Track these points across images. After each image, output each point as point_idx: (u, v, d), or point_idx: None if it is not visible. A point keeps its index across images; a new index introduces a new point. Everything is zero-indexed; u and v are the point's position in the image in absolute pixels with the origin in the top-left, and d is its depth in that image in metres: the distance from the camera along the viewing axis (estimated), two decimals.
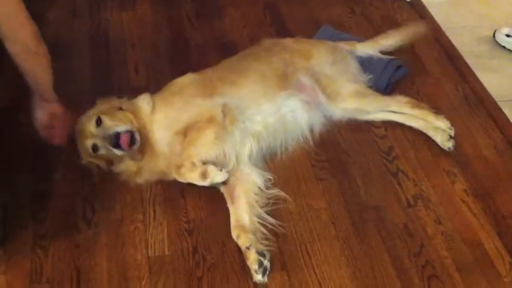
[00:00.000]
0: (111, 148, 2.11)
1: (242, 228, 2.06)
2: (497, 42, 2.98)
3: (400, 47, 2.79)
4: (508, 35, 2.95)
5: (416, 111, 2.46)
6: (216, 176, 2.07)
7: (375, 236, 2.10)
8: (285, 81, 2.36)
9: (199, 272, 1.97)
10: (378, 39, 2.70)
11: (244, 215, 2.09)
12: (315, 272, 1.98)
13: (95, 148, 2.14)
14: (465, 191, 2.26)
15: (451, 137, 2.39)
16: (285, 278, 1.96)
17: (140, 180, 2.23)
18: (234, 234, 2.06)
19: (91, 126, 2.13)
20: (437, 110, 2.48)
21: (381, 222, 2.14)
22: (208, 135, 2.13)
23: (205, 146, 2.12)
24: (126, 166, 2.21)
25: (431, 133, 2.42)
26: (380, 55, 2.67)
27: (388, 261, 2.02)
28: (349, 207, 2.19)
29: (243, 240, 2.02)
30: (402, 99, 2.49)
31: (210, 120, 2.15)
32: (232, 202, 2.13)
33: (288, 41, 2.56)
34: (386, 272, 1.99)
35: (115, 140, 2.09)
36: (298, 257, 2.02)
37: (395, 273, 1.99)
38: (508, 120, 2.57)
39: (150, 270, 1.97)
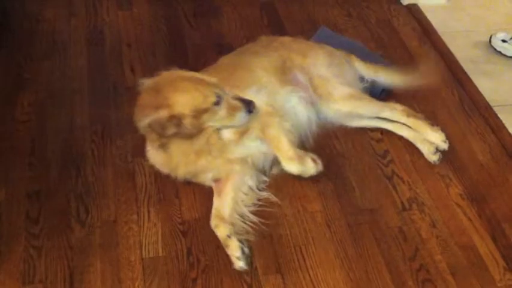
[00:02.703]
0: (242, 111, 2.03)
1: (221, 218, 2.07)
2: (493, 47, 2.99)
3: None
4: (503, 41, 2.96)
5: (412, 121, 2.43)
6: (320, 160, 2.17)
7: (370, 239, 2.09)
8: (283, 76, 2.36)
9: (193, 273, 1.96)
10: (379, 69, 2.58)
11: (226, 208, 2.10)
12: (309, 275, 1.98)
13: (217, 101, 2.00)
14: (460, 195, 2.27)
15: (437, 150, 2.36)
16: (280, 280, 1.96)
17: (178, 171, 2.12)
18: (212, 223, 2.07)
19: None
20: (433, 122, 2.44)
21: (375, 225, 2.14)
22: (283, 125, 2.17)
23: (287, 134, 2.17)
24: (194, 145, 2.05)
25: (419, 144, 2.40)
26: (369, 80, 2.55)
27: (382, 264, 2.02)
28: (344, 210, 2.19)
29: (222, 230, 2.03)
30: (398, 107, 2.47)
31: (270, 113, 2.17)
32: (219, 196, 2.13)
33: (286, 39, 2.55)
34: (380, 275, 1.99)
35: (250, 104, 2.05)
36: (293, 259, 2.02)
37: (389, 276, 1.99)
38: (503, 125, 2.58)
39: (143, 272, 1.95)
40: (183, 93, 1.97)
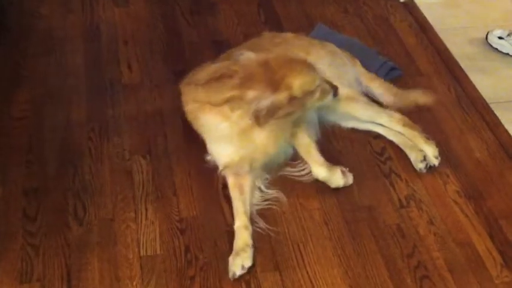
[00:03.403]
0: (330, 94, 2.16)
1: (248, 218, 2.05)
2: (489, 44, 2.99)
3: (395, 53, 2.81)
4: (500, 37, 2.96)
5: (407, 131, 2.39)
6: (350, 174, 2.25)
7: (368, 236, 2.10)
8: None
9: (191, 271, 1.96)
10: (376, 81, 2.57)
11: (248, 207, 2.09)
12: (307, 272, 1.98)
13: (319, 84, 2.10)
14: (457, 192, 2.27)
15: (425, 158, 2.33)
16: (278, 277, 1.96)
17: (251, 154, 2.12)
18: (241, 223, 2.02)
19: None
20: (428, 135, 2.40)
21: (373, 222, 2.15)
22: (309, 131, 2.29)
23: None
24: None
25: (407, 151, 2.37)
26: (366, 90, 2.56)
27: (380, 261, 2.02)
28: (342, 207, 2.19)
29: (247, 235, 2.00)
30: (396, 115, 2.43)
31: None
32: (242, 193, 2.11)
33: (288, 35, 2.53)
34: (378, 272, 1.99)
35: (336, 89, 2.19)
36: (291, 257, 2.02)
37: (387, 273, 1.99)
38: (500, 121, 2.58)
39: (141, 270, 1.95)
40: (300, 76, 2.02)
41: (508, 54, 2.94)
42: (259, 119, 2.00)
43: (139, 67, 2.74)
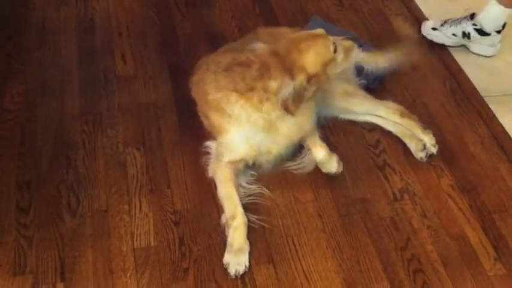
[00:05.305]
0: (356, 48, 2.14)
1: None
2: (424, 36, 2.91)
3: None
4: (434, 28, 2.91)
5: (405, 121, 2.40)
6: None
7: (362, 229, 2.10)
8: None
9: (185, 263, 1.96)
10: (376, 55, 2.59)
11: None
12: (301, 265, 1.98)
13: (335, 48, 2.11)
14: (451, 185, 2.28)
15: (425, 147, 2.34)
16: (272, 270, 1.96)
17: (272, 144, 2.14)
18: (241, 218, 2.01)
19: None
20: (425, 125, 2.41)
21: (367, 215, 2.15)
22: None
23: None
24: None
25: (406, 140, 2.38)
26: (370, 69, 2.56)
27: (374, 254, 2.03)
28: (336, 200, 2.19)
29: (246, 232, 2.01)
30: (393, 106, 2.44)
31: None
32: (236, 189, 2.11)
33: (284, 30, 2.51)
34: (372, 265, 2.00)
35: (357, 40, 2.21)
36: (285, 249, 2.02)
37: (381, 266, 2.00)
38: (494, 115, 2.58)
39: (135, 262, 1.95)
40: (308, 53, 2.00)
41: (443, 44, 2.87)
42: (289, 107, 2.00)
43: (134, 59, 2.73)
